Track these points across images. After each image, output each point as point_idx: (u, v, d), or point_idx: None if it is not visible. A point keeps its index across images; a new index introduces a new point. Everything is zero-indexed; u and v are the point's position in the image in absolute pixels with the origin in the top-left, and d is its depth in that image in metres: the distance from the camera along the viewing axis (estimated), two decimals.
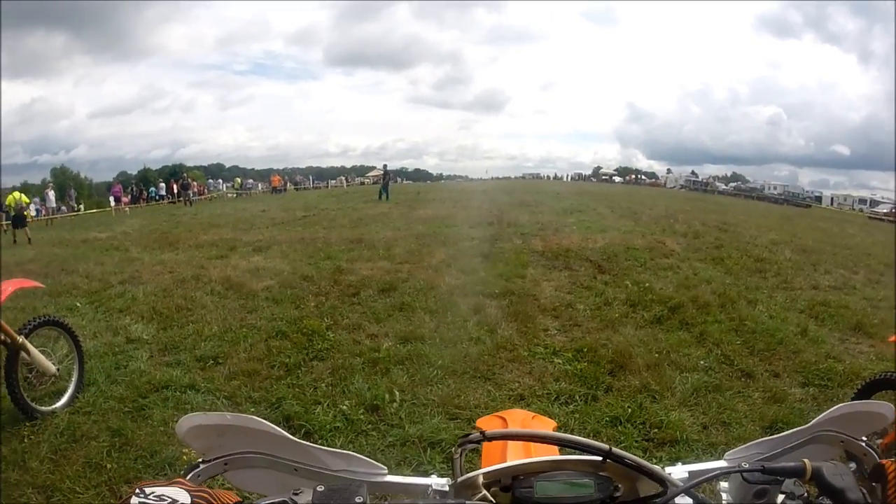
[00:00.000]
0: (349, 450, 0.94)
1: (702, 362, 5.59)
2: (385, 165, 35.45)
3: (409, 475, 0.94)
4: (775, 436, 1.04)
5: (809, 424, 1.02)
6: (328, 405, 4.57)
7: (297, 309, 7.40)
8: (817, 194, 49.42)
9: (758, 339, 6.19)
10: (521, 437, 1.07)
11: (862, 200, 44.81)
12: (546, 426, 1.81)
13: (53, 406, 4.47)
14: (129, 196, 34.80)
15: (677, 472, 0.99)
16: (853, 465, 0.91)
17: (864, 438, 1.06)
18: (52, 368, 4.46)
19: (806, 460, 0.86)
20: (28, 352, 4.24)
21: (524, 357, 5.71)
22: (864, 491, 0.82)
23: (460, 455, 0.95)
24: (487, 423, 1.81)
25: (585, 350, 5.80)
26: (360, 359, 5.60)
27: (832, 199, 48.61)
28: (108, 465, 3.68)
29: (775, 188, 51.12)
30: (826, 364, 5.56)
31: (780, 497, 0.89)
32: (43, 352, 4.49)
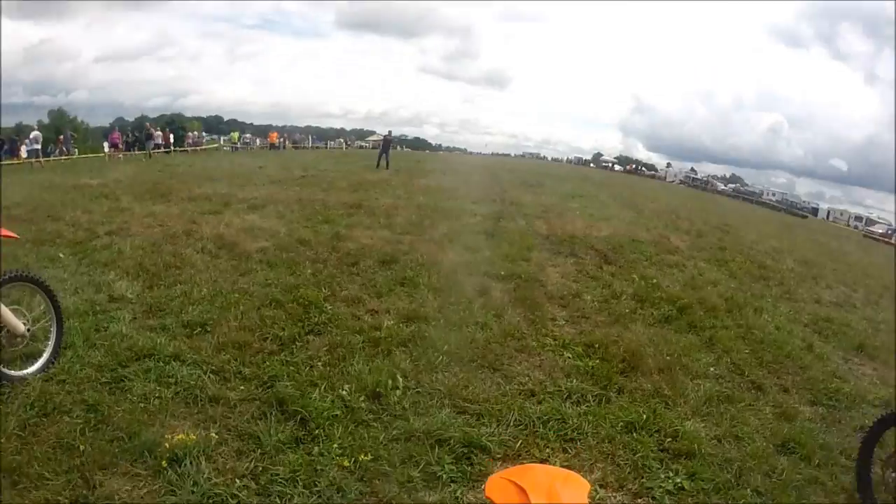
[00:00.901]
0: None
1: (712, 369, 5.41)
2: (389, 132, 33.31)
3: None
4: None
5: None
6: (325, 388, 4.18)
7: (292, 275, 6.98)
8: (814, 206, 49.45)
9: (765, 350, 6.06)
10: None
11: (858, 217, 44.77)
12: (576, 491, 1.44)
13: (25, 371, 4.02)
14: (125, 143, 33.81)
15: None
16: None
17: None
18: (21, 328, 4.05)
19: None
20: None
21: (533, 348, 5.41)
22: None
23: None
24: (500, 491, 1.43)
25: (596, 346, 5.53)
26: (360, 337, 5.22)
27: (828, 212, 48.63)
28: (82, 447, 3.28)
29: (773, 195, 51.12)
30: (833, 384, 5.46)
31: None
32: (15, 310, 4.08)
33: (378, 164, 26.36)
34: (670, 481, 3.50)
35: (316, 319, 5.55)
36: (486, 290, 6.98)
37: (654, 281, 8.30)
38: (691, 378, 5.09)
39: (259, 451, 3.40)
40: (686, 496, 3.41)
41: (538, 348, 5.41)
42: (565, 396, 4.47)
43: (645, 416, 4.19)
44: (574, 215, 14.59)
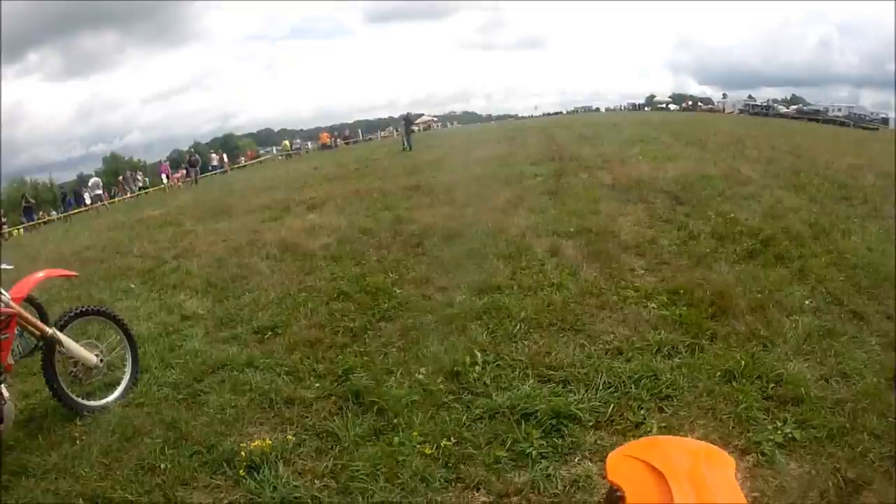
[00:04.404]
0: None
1: (808, 302, 4.92)
2: (408, 113, 32.73)
3: None
4: None
5: None
6: (402, 374, 4.04)
7: (357, 266, 6.88)
8: (883, 116, 46.21)
9: (861, 275, 5.47)
10: None
11: None
12: (721, 471, 1.13)
13: (104, 400, 4.10)
14: (184, 171, 35.01)
15: None
16: None
17: None
18: (94, 359, 4.10)
19: None
20: (62, 344, 3.87)
21: (614, 303, 5.07)
22: None
23: None
24: (627, 473, 1.14)
25: (681, 292, 5.13)
26: (433, 316, 5.05)
27: None
28: (162, 465, 3.26)
29: (839, 110, 48.09)
30: None
31: None
32: (87, 343, 4.15)
33: (407, 146, 26.70)
34: (779, 432, 3.13)
35: (386, 306, 5.42)
36: (557, 250, 6.67)
37: (732, 215, 7.76)
38: (787, 314, 4.65)
39: (338, 447, 3.27)
40: (798, 447, 3.03)
41: (620, 302, 5.07)
42: (655, 350, 4.13)
43: (743, 363, 3.82)
44: (637, 161, 13.91)
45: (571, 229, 7.53)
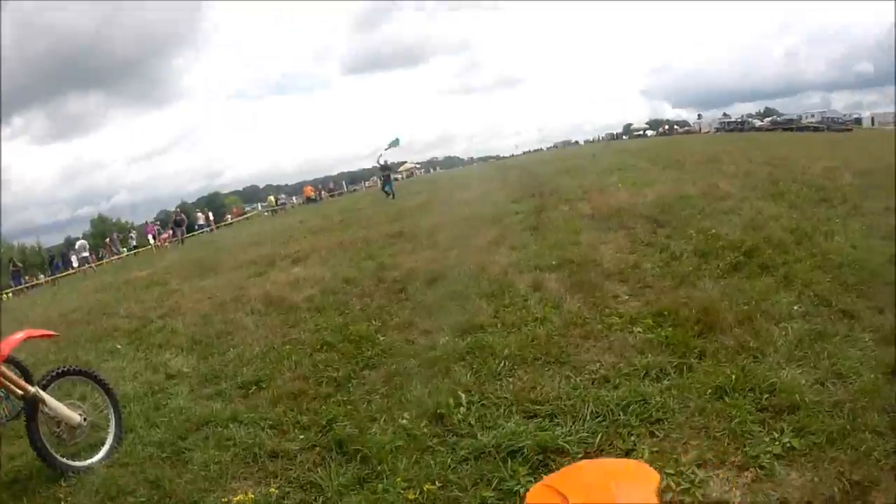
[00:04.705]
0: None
1: (796, 308, 4.90)
2: (386, 161, 31.42)
3: None
4: None
5: None
6: (385, 420, 3.99)
7: (341, 315, 6.87)
8: (856, 116, 47.29)
9: (847, 273, 5.49)
10: None
11: None
12: (639, 487, 1.14)
13: (89, 461, 4.08)
14: (171, 231, 35.09)
15: None
16: None
17: None
18: (77, 419, 4.11)
19: None
20: (45, 402, 3.89)
21: (599, 331, 5.03)
22: None
23: None
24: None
25: (666, 313, 5.09)
26: (416, 360, 5.02)
27: (872, 119, 46.27)
28: None
29: (812, 116, 49.26)
30: None
31: None
32: (70, 404, 4.15)
33: (390, 195, 26.76)
34: (777, 443, 3.08)
35: (369, 353, 5.39)
36: (540, 284, 6.66)
37: (713, 231, 7.77)
38: (776, 322, 4.62)
39: (321, 498, 3.23)
40: (798, 456, 2.98)
41: (604, 330, 5.04)
42: (643, 375, 4.09)
43: (734, 377, 3.77)
44: (616, 189, 14.10)
45: (553, 262, 7.54)
